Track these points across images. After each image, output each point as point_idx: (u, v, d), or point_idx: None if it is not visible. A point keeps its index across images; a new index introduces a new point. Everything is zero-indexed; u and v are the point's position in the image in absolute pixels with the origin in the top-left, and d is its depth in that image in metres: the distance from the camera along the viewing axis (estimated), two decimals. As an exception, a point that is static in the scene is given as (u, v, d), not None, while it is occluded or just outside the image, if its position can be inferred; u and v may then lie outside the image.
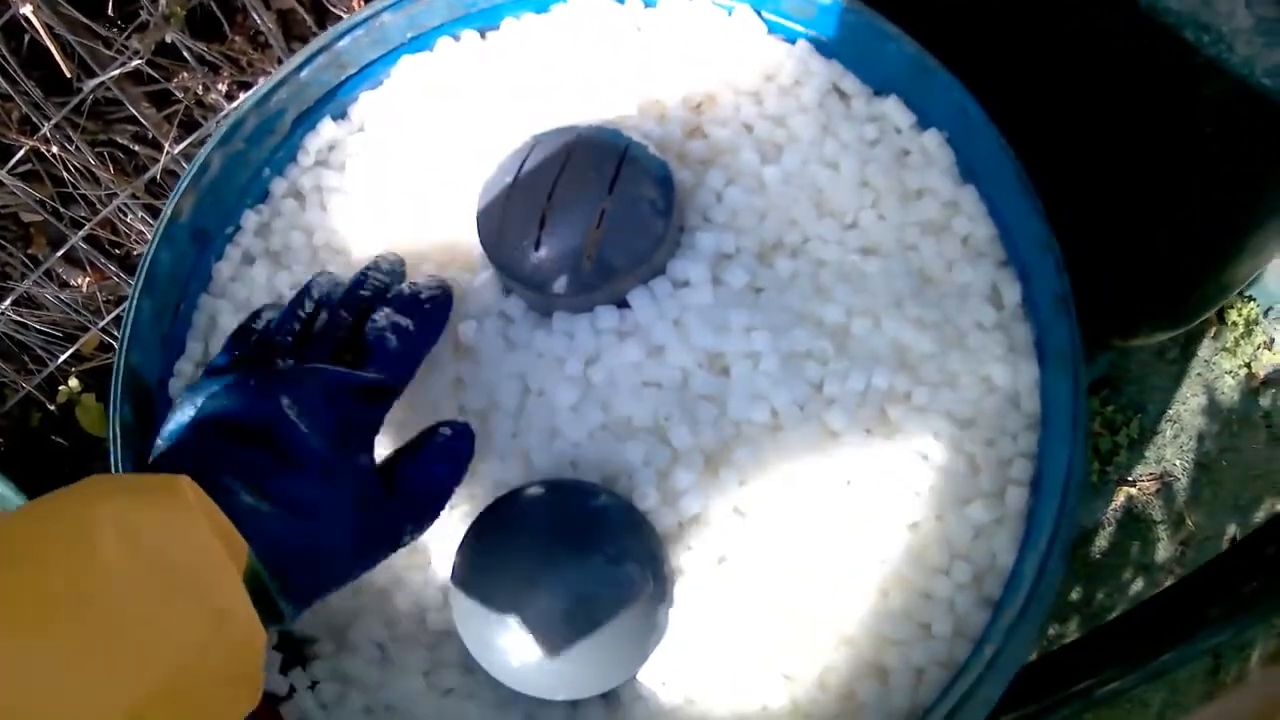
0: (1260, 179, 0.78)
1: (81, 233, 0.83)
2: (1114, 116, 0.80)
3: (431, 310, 0.59)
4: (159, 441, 0.51)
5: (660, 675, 0.58)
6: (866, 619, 0.57)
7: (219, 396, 0.51)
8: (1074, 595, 1.07)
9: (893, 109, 0.66)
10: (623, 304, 0.61)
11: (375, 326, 0.57)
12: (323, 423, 0.51)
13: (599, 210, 0.59)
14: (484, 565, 0.57)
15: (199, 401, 0.51)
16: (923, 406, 0.60)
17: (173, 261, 0.67)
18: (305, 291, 0.60)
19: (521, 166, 0.61)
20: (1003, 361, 0.61)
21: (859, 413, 0.59)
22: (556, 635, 0.54)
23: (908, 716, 0.56)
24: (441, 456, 0.56)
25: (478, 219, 0.62)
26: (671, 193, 0.61)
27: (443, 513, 0.58)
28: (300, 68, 0.68)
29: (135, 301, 0.65)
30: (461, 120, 0.69)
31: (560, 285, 0.60)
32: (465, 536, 0.58)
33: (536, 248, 0.60)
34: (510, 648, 0.55)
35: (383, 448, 0.57)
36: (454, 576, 0.57)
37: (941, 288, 0.63)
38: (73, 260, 0.89)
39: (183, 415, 0.52)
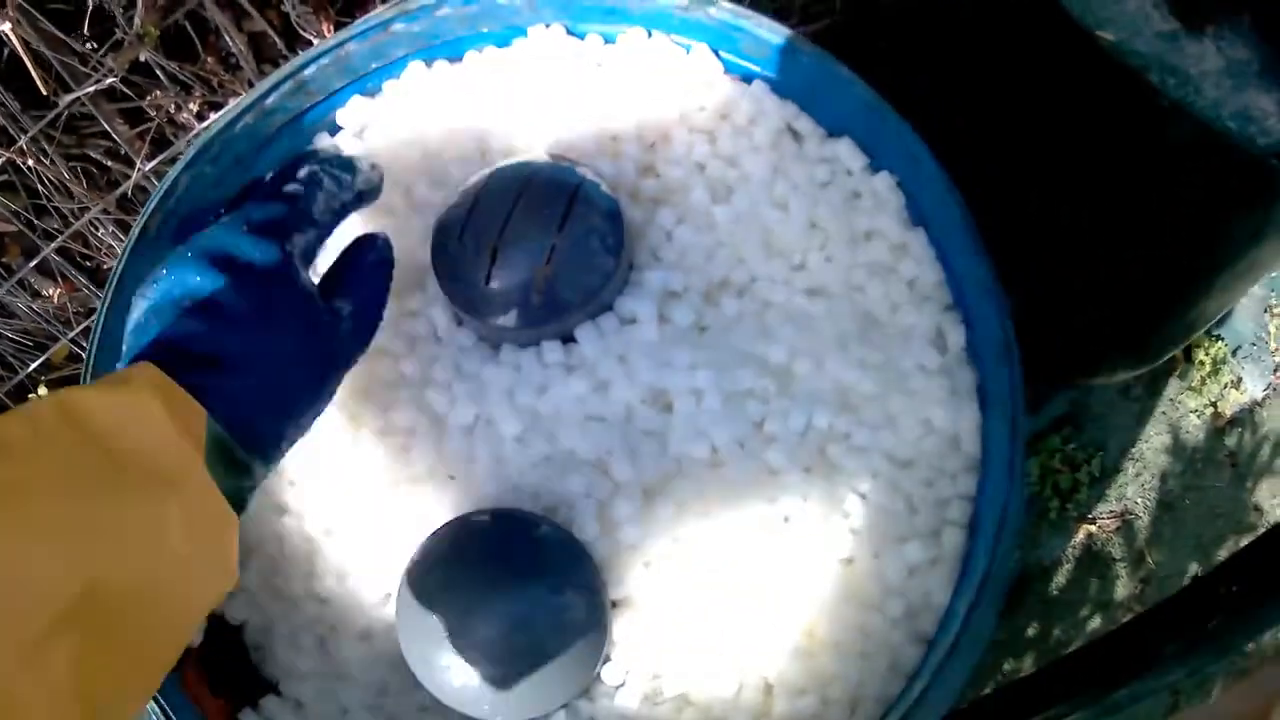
0: (1225, 221, 0.79)
1: (54, 244, 0.84)
2: (1079, 156, 0.81)
3: (348, 181, 0.59)
4: (126, 341, 0.52)
5: (596, 703, 0.59)
6: (800, 653, 0.58)
7: (152, 286, 0.52)
8: (1031, 631, 1.08)
9: (845, 151, 0.67)
10: (569, 339, 0.62)
11: (296, 180, 0.56)
12: (253, 270, 0.52)
13: (549, 246, 0.60)
14: (428, 589, 0.58)
15: (141, 300, 0.52)
16: (863, 447, 0.61)
17: (140, 279, 0.67)
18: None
19: (476, 202, 0.62)
20: (944, 405, 0.62)
21: (799, 451, 0.60)
22: (496, 660, 0.56)
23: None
24: (371, 276, 0.58)
25: (432, 251, 0.63)
26: (621, 231, 0.62)
27: (389, 541, 0.61)
28: (266, 94, 0.69)
29: (104, 312, 0.66)
30: (422, 150, 0.69)
31: (509, 319, 0.61)
32: (411, 561, 0.59)
33: (487, 281, 0.61)
34: (452, 670, 0.56)
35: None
36: (399, 600, 0.58)
37: (886, 330, 0.64)
38: (45, 271, 0.90)
39: (135, 335, 0.52)
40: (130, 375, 0.46)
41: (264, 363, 0.50)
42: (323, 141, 0.71)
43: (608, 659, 0.59)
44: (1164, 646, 0.89)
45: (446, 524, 0.59)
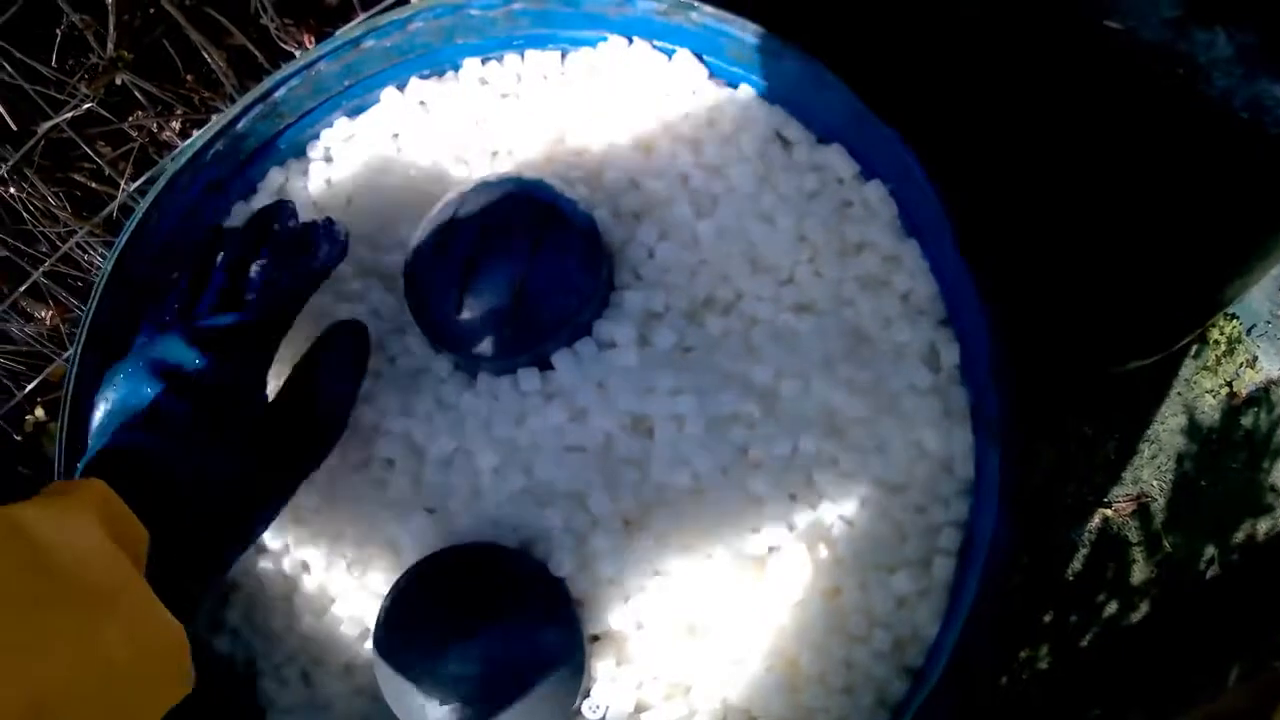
0: (1241, 210, 0.76)
1: (42, 269, 0.84)
2: (1090, 149, 0.79)
3: (307, 265, 0.59)
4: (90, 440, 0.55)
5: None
6: (784, 686, 0.57)
7: (109, 391, 0.55)
8: (1047, 618, 1.06)
9: (835, 158, 0.64)
10: (547, 365, 0.61)
11: (248, 279, 0.58)
12: (205, 390, 0.53)
13: (523, 271, 0.59)
14: (402, 629, 0.57)
15: (100, 403, 0.55)
16: (850, 472, 0.59)
17: (115, 314, 0.66)
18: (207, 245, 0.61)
19: (446, 224, 0.61)
20: (936, 426, 0.60)
21: (784, 478, 0.59)
22: (471, 697, 0.55)
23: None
24: (341, 369, 0.59)
25: (404, 278, 0.62)
26: (599, 251, 0.61)
27: (367, 576, 0.60)
28: (237, 119, 0.67)
29: (78, 357, 0.65)
30: (402, 170, 0.68)
31: (483, 347, 0.60)
32: (385, 600, 0.58)
33: (459, 310, 0.59)
34: (428, 709, 0.55)
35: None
36: (375, 640, 0.58)
37: (877, 347, 0.62)
38: (36, 295, 0.90)
39: (96, 436, 0.55)
40: (75, 488, 0.48)
41: (213, 485, 0.53)
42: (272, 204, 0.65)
43: (586, 694, 0.58)
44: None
45: (422, 559, 0.58)
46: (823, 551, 0.58)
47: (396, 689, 0.57)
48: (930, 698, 0.54)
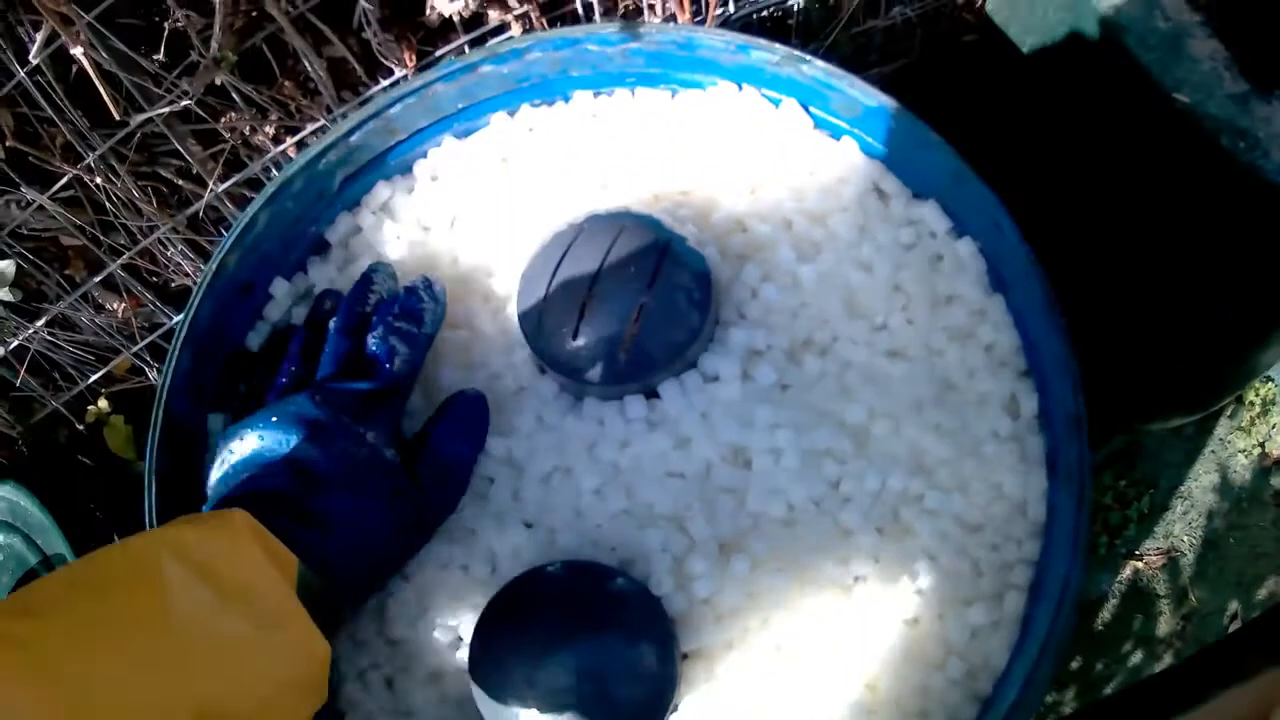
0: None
1: (119, 261, 0.84)
2: (1149, 212, 0.81)
3: (419, 332, 0.62)
4: (211, 489, 0.58)
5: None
6: (862, 709, 0.59)
7: (239, 440, 0.57)
8: (1074, 665, 1.08)
9: (930, 214, 0.67)
10: (652, 394, 0.63)
11: (370, 351, 0.61)
12: (339, 443, 0.57)
13: (639, 304, 0.61)
14: (500, 641, 0.59)
15: (227, 450, 0.58)
16: (934, 509, 0.61)
17: (216, 314, 0.68)
18: (316, 313, 0.66)
19: (565, 253, 0.63)
20: (1014, 471, 0.62)
21: (872, 512, 0.61)
22: (566, 709, 0.56)
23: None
24: (459, 434, 0.62)
25: (518, 301, 0.64)
26: (709, 288, 0.62)
27: (464, 587, 0.62)
28: (351, 131, 0.69)
29: (176, 354, 0.66)
30: (509, 194, 0.70)
31: (595, 374, 0.61)
32: (484, 612, 0.60)
33: (574, 336, 0.61)
34: (521, 718, 0.57)
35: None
36: (472, 650, 0.59)
37: (962, 394, 0.64)
38: (109, 285, 0.91)
39: (222, 484, 0.57)
40: (227, 518, 0.51)
41: (351, 530, 0.56)
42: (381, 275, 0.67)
43: (675, 708, 0.60)
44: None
45: (521, 574, 0.60)
46: (905, 583, 0.60)
47: (491, 699, 0.58)
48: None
